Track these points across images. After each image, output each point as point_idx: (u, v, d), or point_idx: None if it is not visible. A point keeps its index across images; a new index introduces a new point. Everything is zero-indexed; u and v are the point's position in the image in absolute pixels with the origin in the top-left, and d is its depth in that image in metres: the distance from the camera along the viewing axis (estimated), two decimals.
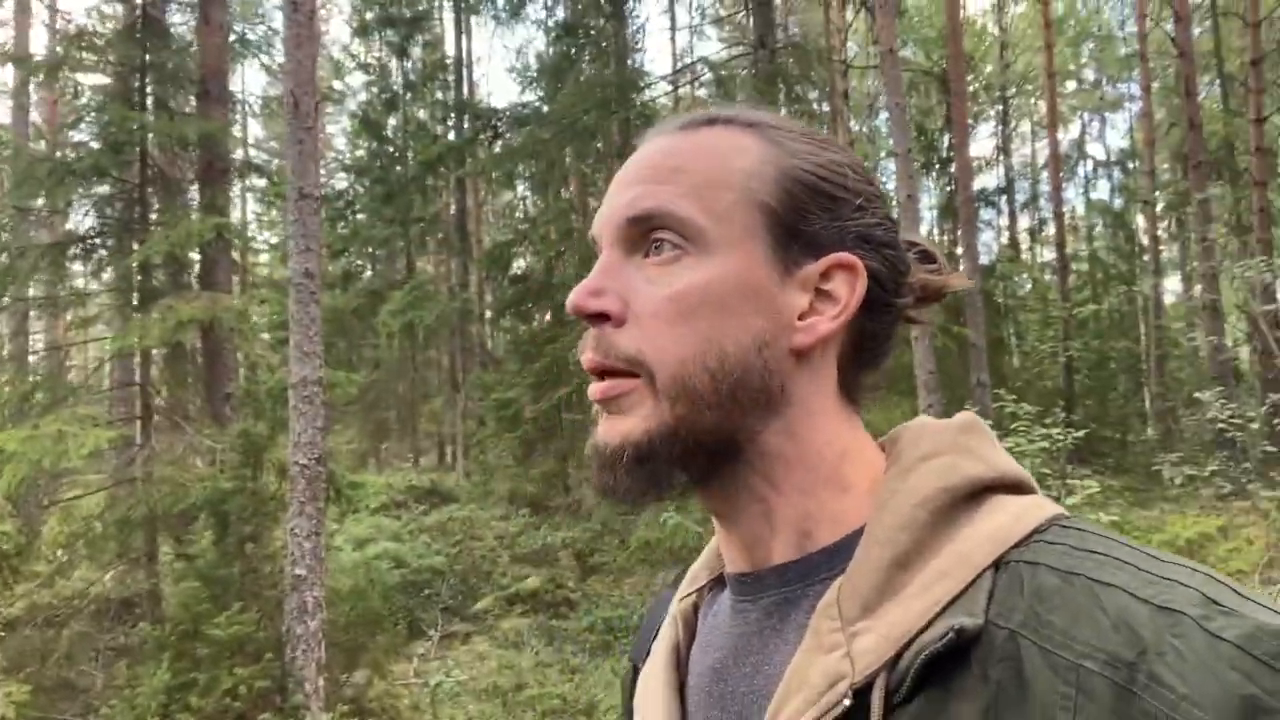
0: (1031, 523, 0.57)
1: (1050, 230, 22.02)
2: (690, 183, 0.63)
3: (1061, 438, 6.11)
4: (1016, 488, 0.61)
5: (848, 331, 0.65)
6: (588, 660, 8.73)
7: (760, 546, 0.65)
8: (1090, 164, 27.17)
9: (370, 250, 20.78)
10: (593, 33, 15.05)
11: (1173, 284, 24.51)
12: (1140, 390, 19.49)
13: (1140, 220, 23.65)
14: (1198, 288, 20.17)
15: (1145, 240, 22.78)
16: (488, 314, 18.87)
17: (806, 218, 0.64)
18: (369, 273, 21.64)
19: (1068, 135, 26.88)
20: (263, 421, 7.06)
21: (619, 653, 8.85)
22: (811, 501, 0.64)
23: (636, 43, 15.31)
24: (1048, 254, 24.78)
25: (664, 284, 0.63)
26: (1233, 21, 17.06)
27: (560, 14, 16.20)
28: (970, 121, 19.77)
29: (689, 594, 0.76)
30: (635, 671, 0.80)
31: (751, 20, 12.93)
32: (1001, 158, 24.48)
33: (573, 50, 15.15)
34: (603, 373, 0.64)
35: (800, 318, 0.64)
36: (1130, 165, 24.76)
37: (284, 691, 5.91)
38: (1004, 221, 24.13)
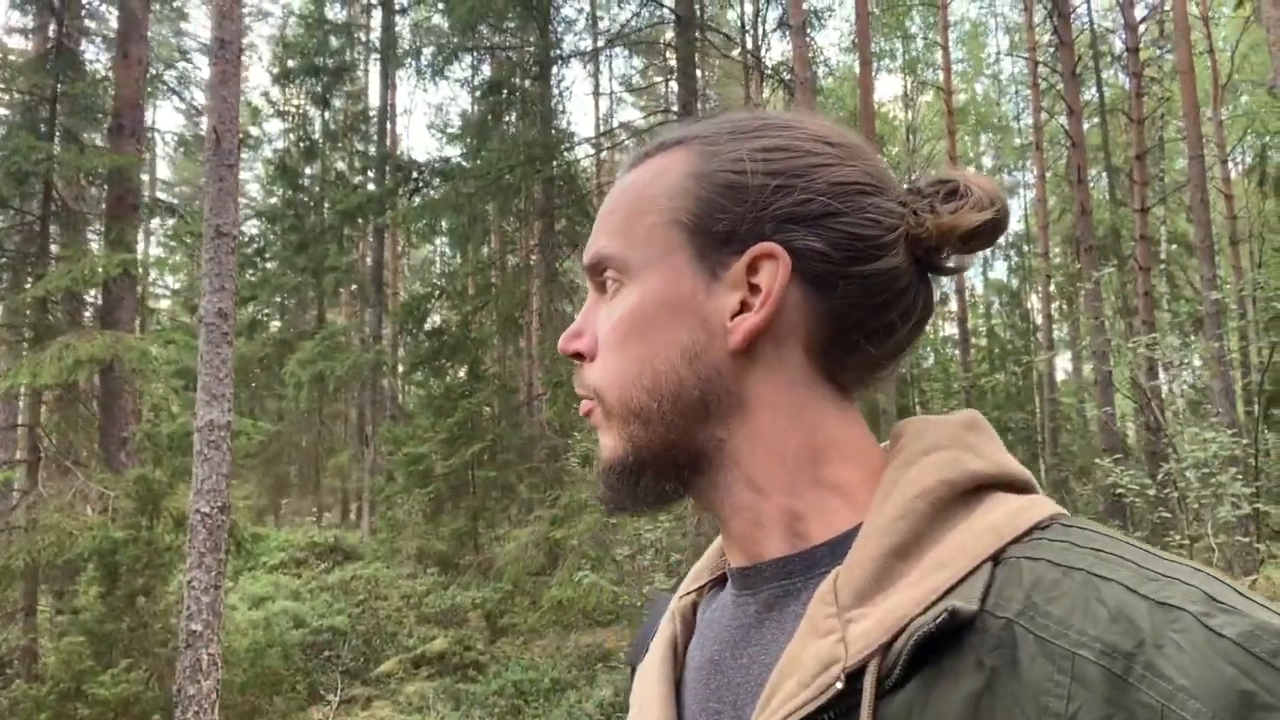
0: (1032, 519, 0.57)
1: (952, 306, 23.00)
2: (618, 222, 0.68)
3: None
4: (1017, 486, 0.61)
5: (808, 317, 0.63)
6: None
7: (755, 543, 0.65)
8: None
9: (280, 299, 20.26)
10: (517, 93, 15.24)
11: (1064, 361, 25.77)
12: (1036, 460, 20.28)
13: (1034, 299, 24.92)
14: (1088, 365, 21.27)
15: (1039, 319, 23.98)
16: (400, 368, 18.52)
17: (720, 218, 0.64)
18: (277, 322, 21.06)
19: None
20: (162, 468, 6.72)
21: (530, 718, 8.59)
22: (798, 499, 0.63)
23: (560, 106, 15.54)
24: (950, 328, 25.81)
25: (608, 316, 0.68)
26: (1119, 118, 18.36)
27: (486, 72, 16.36)
28: None
29: (689, 592, 0.77)
30: (632, 673, 0.79)
31: (675, 88, 13.29)
32: None
33: (498, 108, 15.29)
34: (583, 399, 0.70)
35: (732, 317, 0.63)
36: (1025, 248, 26.14)
37: None
38: None
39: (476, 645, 10.59)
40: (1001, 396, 20.41)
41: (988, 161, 29.53)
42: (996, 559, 0.55)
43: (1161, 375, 11.87)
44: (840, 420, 0.65)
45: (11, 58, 9.25)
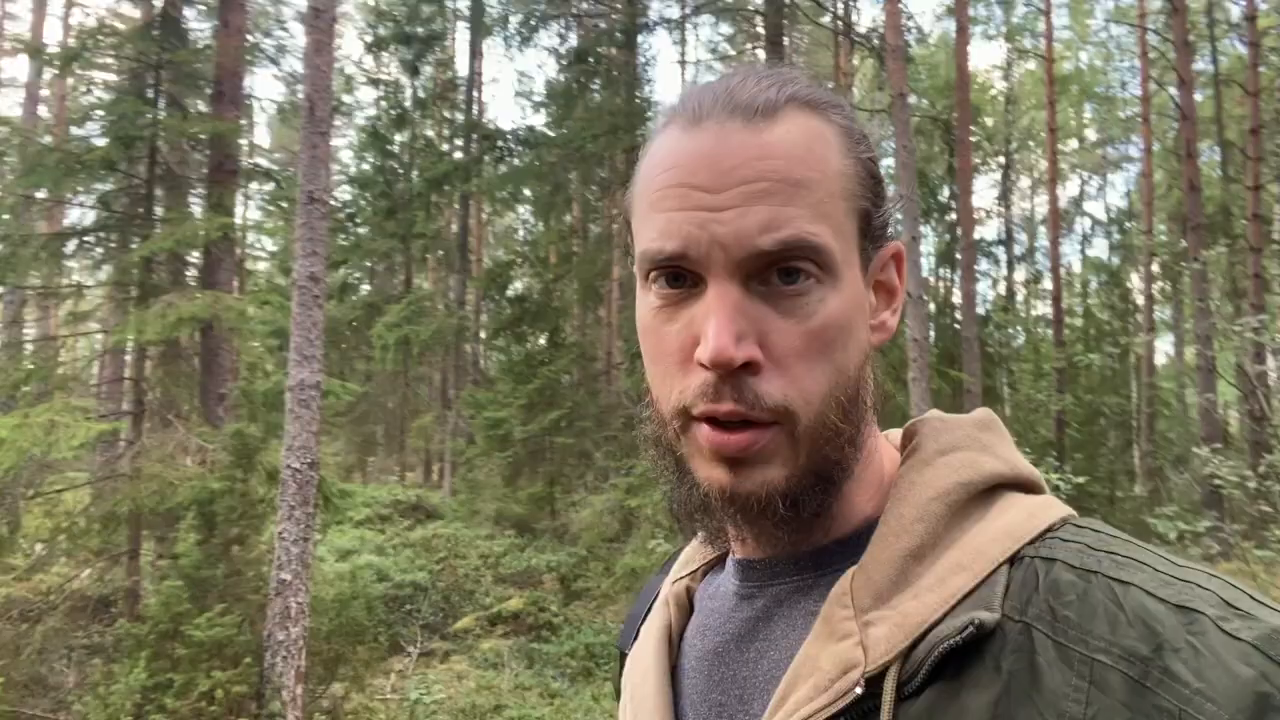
0: (1046, 520, 0.57)
1: (1046, 284, 22.20)
2: (813, 199, 0.58)
3: (1058, 485, 6.10)
4: (1029, 486, 0.61)
5: None
6: (568, 685, 8.62)
7: (792, 542, 0.63)
8: (1088, 221, 27.46)
9: (369, 263, 20.78)
10: (604, 61, 15.20)
11: (1165, 344, 24.70)
12: (1130, 447, 19.55)
13: (1135, 279, 23.87)
14: (1191, 349, 20.34)
15: (1140, 299, 22.99)
16: (483, 333, 18.85)
17: (878, 210, 0.62)
18: (366, 286, 21.63)
19: (1067, 192, 27.19)
20: (256, 423, 7.00)
21: (601, 679, 8.74)
22: (848, 498, 0.63)
23: (645, 74, 15.46)
24: (1043, 307, 24.97)
25: (800, 319, 0.58)
26: (1234, 90, 17.35)
27: (573, 40, 16.36)
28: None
29: (682, 577, 0.74)
30: (623, 659, 0.79)
31: (762, 56, 13.07)
32: (1001, 210, 24.74)
33: (582, 77, 15.29)
34: (742, 422, 0.58)
35: (873, 315, 0.63)
36: (1128, 225, 25.03)
37: (260, 698, 5.80)
38: (1000, 272, 24.33)
39: (550, 607, 10.79)
40: (1096, 379, 19.68)
41: (1091, 134, 28.30)
42: (1013, 561, 0.55)
43: (1270, 361, 11.27)
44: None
45: (121, 26, 9.64)
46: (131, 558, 7.98)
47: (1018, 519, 0.57)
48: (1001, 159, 24.70)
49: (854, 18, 16.06)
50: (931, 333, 18.65)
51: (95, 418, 7.48)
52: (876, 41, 13.30)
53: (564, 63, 16.15)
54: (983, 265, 22.82)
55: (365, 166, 20.76)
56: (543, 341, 15.58)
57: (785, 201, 0.57)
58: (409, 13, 18.95)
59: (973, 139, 17.78)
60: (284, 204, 10.87)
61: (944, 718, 0.50)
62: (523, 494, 14.11)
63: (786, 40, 15.78)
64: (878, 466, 0.64)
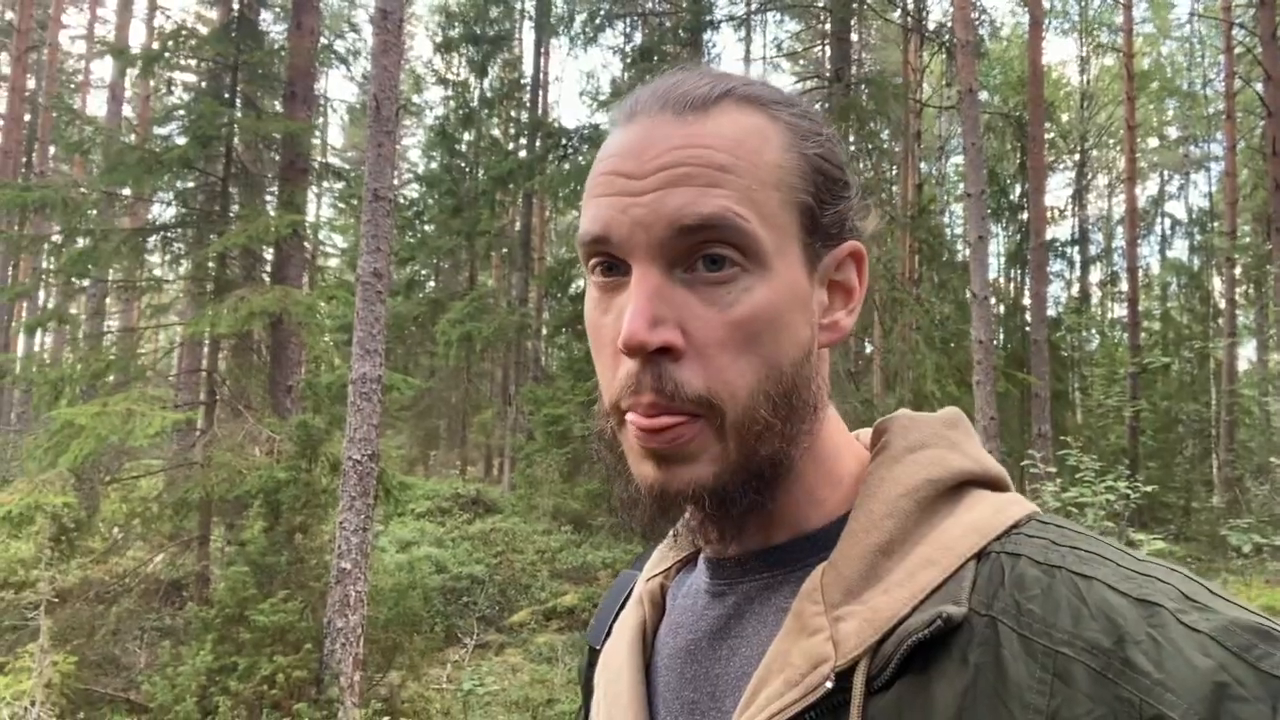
0: (1012, 516, 0.58)
1: (1121, 286, 21.53)
2: (740, 185, 0.57)
3: (1127, 493, 5.92)
4: (995, 484, 0.62)
5: None
6: None
7: (755, 539, 0.64)
8: (1167, 221, 26.55)
9: (435, 260, 21.14)
10: (669, 59, 15.20)
11: (1248, 350, 23.73)
12: (1208, 456, 18.85)
13: (1217, 282, 23.00)
14: (1276, 355, 19.50)
15: (1221, 303, 22.14)
16: (544, 330, 19.03)
17: (826, 207, 0.60)
18: (432, 283, 22.01)
19: (1145, 191, 26.32)
20: (321, 415, 7.18)
21: None
22: (811, 496, 0.63)
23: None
24: (1117, 309, 24.22)
25: (723, 308, 0.56)
26: None
27: (638, 39, 16.40)
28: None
29: (655, 575, 0.74)
30: (593, 654, 0.78)
31: (829, 53, 12.93)
32: (1075, 209, 24.06)
33: (647, 76, 15.29)
34: (665, 414, 0.57)
35: (823, 314, 0.62)
36: (1210, 225, 24.13)
37: (320, 683, 5.95)
38: (1073, 274, 23.67)
39: None
40: (1173, 385, 19.02)
41: (1172, 132, 27.35)
42: (979, 556, 0.56)
43: None
44: (835, 411, 0.66)
45: (201, 28, 9.98)
46: (202, 543, 8.26)
47: (984, 515, 0.58)
48: (1076, 157, 24.02)
49: (924, 13, 15.75)
50: (1001, 335, 18.22)
51: (170, 407, 7.76)
52: (946, 37, 13.04)
53: (628, 61, 16.20)
54: (1055, 266, 22.24)
55: (433, 165, 21.14)
56: None
57: (708, 184, 0.56)
58: (477, 13, 19.22)
59: (1046, 136, 17.32)
60: (353, 201, 11.13)
61: (912, 710, 0.51)
62: (580, 490, 14.20)
63: (855, 36, 15.58)
64: (845, 464, 0.64)
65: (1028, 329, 15.43)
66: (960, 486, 0.60)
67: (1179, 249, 26.44)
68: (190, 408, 8.84)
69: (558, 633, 10.11)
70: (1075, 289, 23.70)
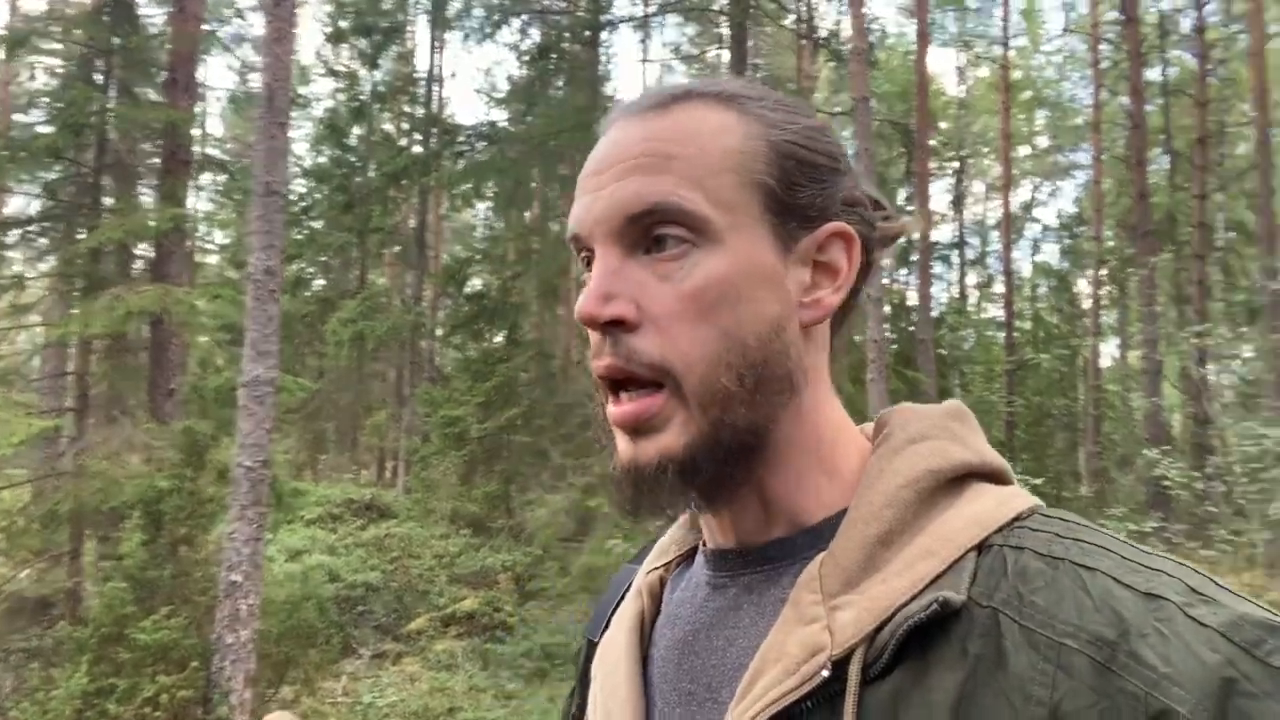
0: (1015, 509, 0.57)
1: (997, 287, 22.60)
2: (687, 170, 0.60)
3: None
4: (998, 477, 0.62)
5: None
6: (524, 686, 8.55)
7: (753, 529, 0.64)
8: (1039, 227, 28.00)
9: (324, 258, 20.45)
10: (566, 58, 15.12)
11: (1110, 348, 25.26)
12: (1076, 448, 19.96)
13: (1083, 284, 24.40)
14: (1136, 352, 20.82)
15: (1087, 304, 23.50)
16: (439, 330, 18.67)
17: (798, 190, 0.62)
18: (320, 281, 21.29)
19: (1019, 197, 27.68)
20: (207, 420, 6.83)
21: (556, 680, 8.69)
22: (806, 484, 0.63)
23: (608, 73, 15.43)
24: (994, 310, 25.39)
25: (677, 281, 0.59)
26: (1183, 100, 17.80)
27: (535, 36, 16.27)
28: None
29: (656, 568, 0.75)
30: (590, 647, 0.79)
31: (728, 58, 13.11)
32: (954, 214, 25.11)
33: (545, 73, 15.20)
34: (624, 380, 0.60)
35: (805, 293, 0.63)
36: (1077, 230, 25.56)
37: (208, 703, 5.67)
38: (953, 276, 24.71)
39: (505, 607, 10.71)
40: (1044, 381, 20.05)
41: (1042, 141, 28.84)
42: (981, 548, 0.55)
43: (1211, 366, 11.58)
44: (838, 402, 0.66)
45: (69, 10, 9.36)
46: (73, 558, 7.75)
47: (987, 507, 0.58)
48: (955, 164, 25.07)
49: (816, 20, 16.15)
50: (890, 335, 18.86)
51: (36, 414, 7.24)
52: (839, 46, 13.40)
53: (526, 59, 16.05)
54: (937, 269, 23.16)
55: (321, 159, 20.42)
56: (500, 339, 15.45)
57: (657, 172, 0.60)
58: (369, 4, 18.67)
59: (930, 143, 18.02)
60: (237, 196, 10.65)
61: (910, 699, 0.51)
62: (478, 493, 13.98)
63: (751, 42, 15.84)
64: (845, 455, 0.64)
65: (913, 329, 16.02)
66: (962, 479, 0.60)
67: (1049, 253, 27.90)
68: (58, 414, 8.28)
69: (457, 639, 9.92)
70: (955, 290, 24.74)
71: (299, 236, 18.40)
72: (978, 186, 28.97)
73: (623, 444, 0.62)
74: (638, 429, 0.60)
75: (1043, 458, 17.81)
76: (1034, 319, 24.23)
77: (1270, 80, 15.90)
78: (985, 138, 26.37)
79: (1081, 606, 0.49)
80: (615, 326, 0.60)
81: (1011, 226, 22.48)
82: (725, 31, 15.03)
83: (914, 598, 0.53)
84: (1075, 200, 25.37)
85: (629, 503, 0.62)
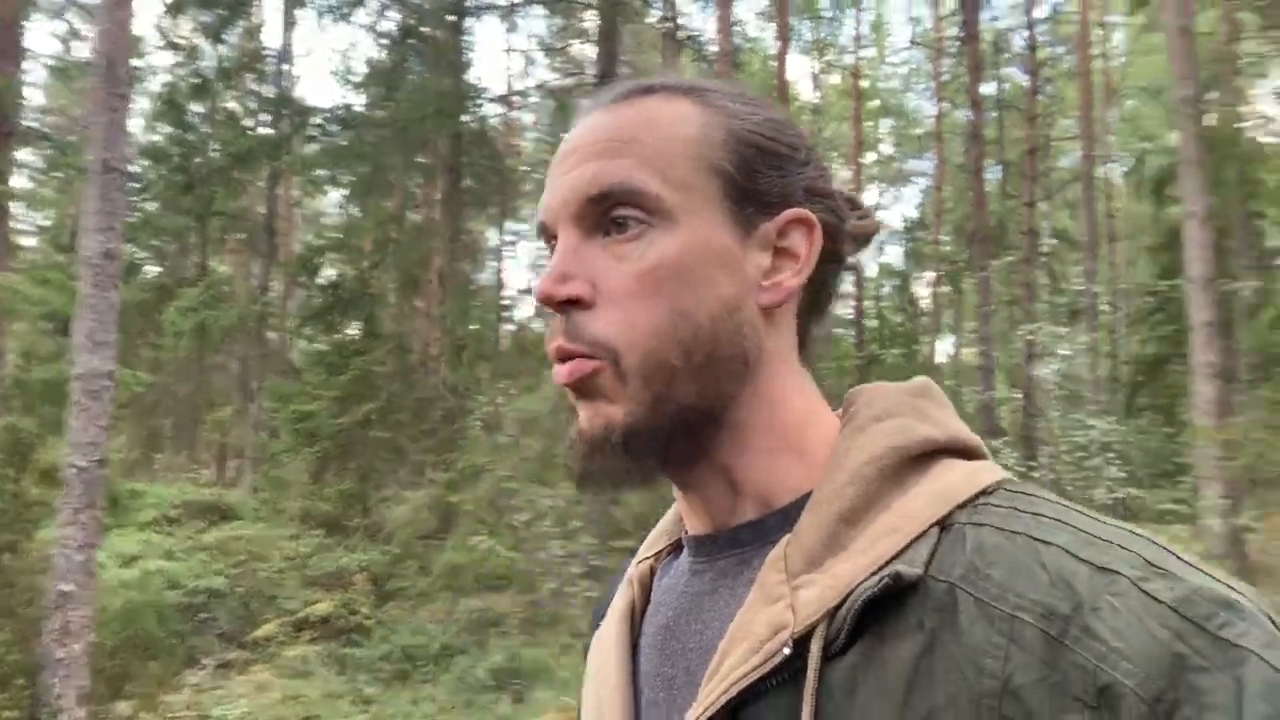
0: (978, 484, 0.58)
1: (847, 287, 23.58)
2: (644, 154, 0.62)
3: None
4: (967, 452, 0.62)
5: (807, 286, 0.66)
6: (383, 690, 8.28)
7: (723, 512, 0.65)
8: (884, 230, 29.42)
9: (159, 242, 19.15)
10: (428, 42, 14.71)
11: (947, 344, 26.82)
12: None
13: (923, 285, 25.82)
14: (971, 349, 22.18)
15: (928, 304, 24.89)
16: (289, 321, 17.82)
17: (758, 177, 0.64)
18: (155, 267, 19.91)
19: (866, 201, 28.98)
20: (32, 417, 6.25)
21: (418, 682, 8.46)
22: (774, 466, 0.64)
23: (471, 59, 15.11)
24: (844, 309, 26.53)
25: (633, 260, 0.61)
26: (1014, 114, 19.09)
27: (392, 18, 15.74)
28: None
29: (646, 558, 0.76)
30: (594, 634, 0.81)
31: (597, 52, 13.08)
32: None
33: (405, 57, 14.73)
34: (567, 357, 0.62)
35: (765, 277, 0.64)
36: (918, 234, 27.00)
37: None
38: None
39: (362, 609, 10.34)
40: (890, 376, 21.08)
41: (886, 148, 30.29)
42: (944, 524, 0.55)
43: (1039, 363, 12.45)
44: (809, 386, 0.67)
45: None
46: None
47: (951, 482, 0.58)
48: None
49: (682, 20, 16.35)
50: None
51: None
52: (705, 45, 13.62)
53: (384, 41, 15.51)
54: None
55: (158, 137, 19.09)
56: (356, 331, 14.90)
57: (616, 156, 0.62)
58: None
59: None
60: (64, 172, 9.79)
61: (866, 673, 0.52)
62: (331, 491, 13.45)
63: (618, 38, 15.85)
64: (814, 436, 0.65)
65: None
66: (929, 455, 0.60)
67: (893, 255, 29.38)
68: None
69: (311, 644, 9.50)
70: None
71: (132, 220, 17.15)
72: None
73: (578, 415, 0.63)
74: (580, 391, 0.62)
75: None
76: (879, 316, 25.45)
77: (1094, 97, 17.26)
78: (836, 143, 27.46)
79: (1036, 580, 0.50)
80: (571, 306, 0.61)
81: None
82: (590, 25, 15.01)
83: (873, 574, 0.54)
84: (917, 205, 26.80)
85: (580, 473, 0.64)
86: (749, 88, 0.71)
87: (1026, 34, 16.36)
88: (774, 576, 0.57)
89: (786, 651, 0.54)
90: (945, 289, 24.65)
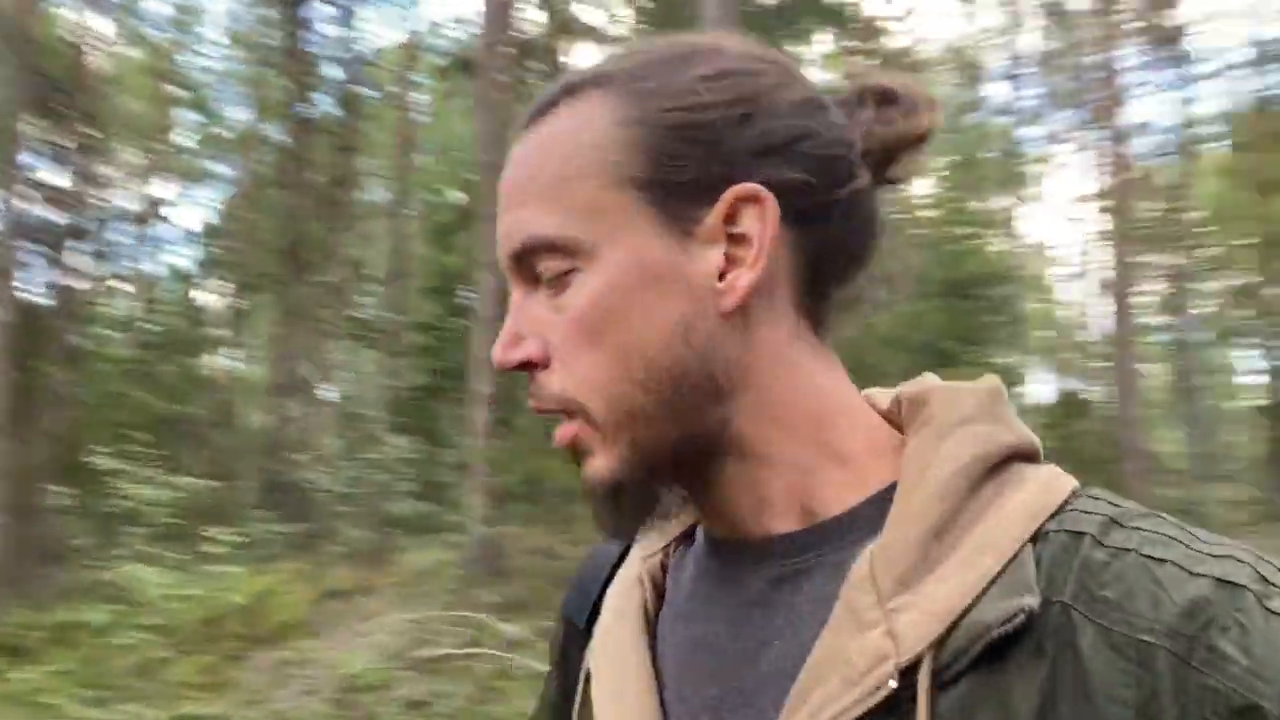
0: (1062, 493, 0.55)
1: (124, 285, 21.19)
2: (546, 191, 0.57)
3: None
4: (1033, 456, 0.60)
5: (795, 260, 0.59)
6: None
7: (754, 517, 0.60)
8: (175, 229, 27.25)
9: None
10: None
11: (238, 360, 25.90)
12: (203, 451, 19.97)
13: (211, 294, 24.64)
14: (259, 365, 21.84)
15: (217, 312, 23.81)
16: None
17: (683, 164, 0.56)
18: None
19: (158, 191, 26.57)
20: None
21: None
22: (808, 472, 0.59)
23: None
24: (125, 304, 23.82)
25: (568, 310, 0.57)
26: (326, 140, 19.61)
27: None
28: None
29: (654, 553, 0.69)
30: (569, 628, 0.74)
31: None
32: (88, 196, 22.84)
33: None
34: (541, 413, 0.60)
35: (721, 277, 0.57)
36: (211, 241, 25.58)
37: None
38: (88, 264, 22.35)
39: None
40: (169, 387, 19.61)
41: (188, 140, 28.19)
42: (1035, 537, 0.53)
43: (328, 384, 12.96)
44: (833, 377, 0.62)
45: None
46: None
47: (1034, 493, 0.55)
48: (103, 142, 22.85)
49: None
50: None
51: None
52: None
53: None
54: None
55: None
56: None
57: (519, 205, 0.58)
58: None
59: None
60: None
61: (986, 705, 0.49)
62: None
63: None
64: (855, 439, 0.60)
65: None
66: (1003, 462, 0.57)
67: (182, 257, 27.30)
68: None
69: None
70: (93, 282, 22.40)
71: None
72: (115, 172, 26.86)
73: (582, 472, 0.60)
74: (575, 452, 0.59)
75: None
76: (150, 320, 23.42)
77: (404, 143, 18.71)
78: (132, 121, 24.66)
79: (1156, 600, 0.47)
80: (529, 367, 0.58)
81: (146, 222, 21.53)
82: None
83: (979, 598, 0.51)
84: (217, 211, 25.53)
85: (597, 523, 0.61)
86: (695, 41, 0.61)
87: (344, 69, 17.03)
88: (863, 598, 0.53)
89: (893, 685, 0.50)
90: (238, 301, 23.90)
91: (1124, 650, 0.47)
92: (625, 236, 0.56)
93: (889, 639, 0.51)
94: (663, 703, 0.61)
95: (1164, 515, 0.54)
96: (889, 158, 0.61)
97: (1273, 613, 0.46)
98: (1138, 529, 0.52)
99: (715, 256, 0.57)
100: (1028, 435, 0.60)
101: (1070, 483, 0.57)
